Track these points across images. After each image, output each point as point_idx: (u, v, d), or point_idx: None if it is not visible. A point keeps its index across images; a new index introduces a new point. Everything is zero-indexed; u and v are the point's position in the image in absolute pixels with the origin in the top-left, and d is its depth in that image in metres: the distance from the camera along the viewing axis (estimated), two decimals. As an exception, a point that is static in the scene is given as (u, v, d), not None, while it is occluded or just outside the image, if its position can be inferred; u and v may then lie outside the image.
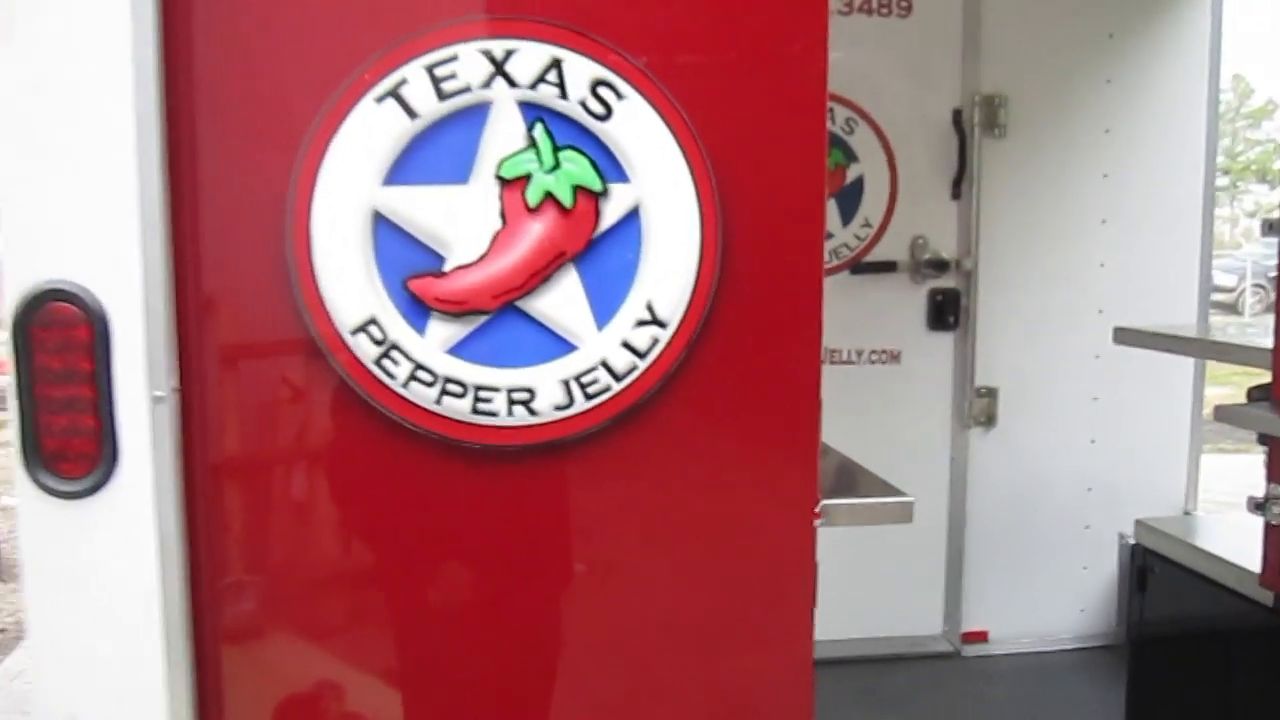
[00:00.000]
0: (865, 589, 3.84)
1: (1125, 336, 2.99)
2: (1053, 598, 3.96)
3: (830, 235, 3.68)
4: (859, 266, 3.73)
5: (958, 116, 3.73)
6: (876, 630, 3.90)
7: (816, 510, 1.40)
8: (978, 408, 3.84)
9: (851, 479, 1.58)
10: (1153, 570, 2.92)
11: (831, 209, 3.68)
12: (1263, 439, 2.41)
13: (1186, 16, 3.84)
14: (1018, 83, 3.74)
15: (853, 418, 3.71)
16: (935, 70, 3.75)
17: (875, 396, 3.77)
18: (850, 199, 3.70)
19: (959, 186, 3.75)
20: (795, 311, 1.38)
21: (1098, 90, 3.81)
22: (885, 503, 1.46)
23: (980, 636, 3.96)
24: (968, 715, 3.56)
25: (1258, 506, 2.34)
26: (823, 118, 1.37)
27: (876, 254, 3.75)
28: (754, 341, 1.38)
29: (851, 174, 3.69)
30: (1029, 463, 3.91)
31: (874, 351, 3.78)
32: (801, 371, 1.39)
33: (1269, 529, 2.35)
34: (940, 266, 3.76)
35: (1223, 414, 2.39)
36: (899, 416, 3.82)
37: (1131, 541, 3.03)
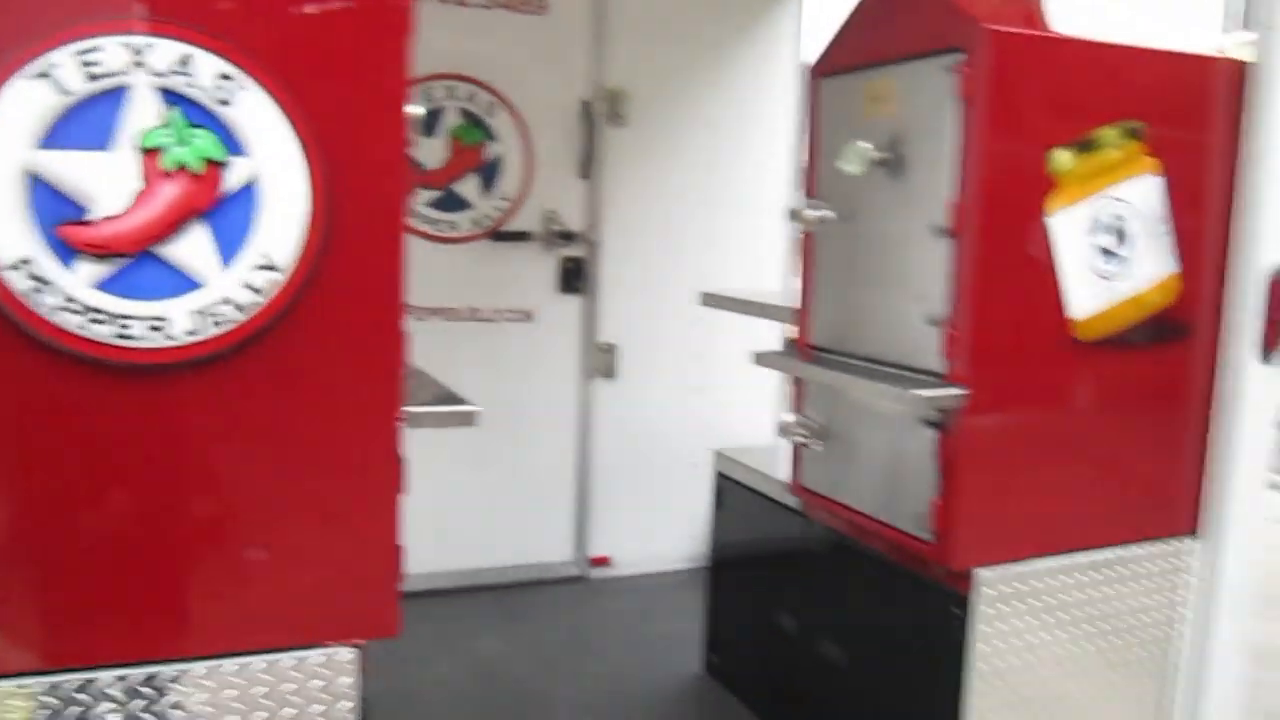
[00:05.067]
0: (502, 523, 4.30)
1: (707, 299, 3.61)
2: (667, 526, 4.50)
3: (472, 206, 4.10)
4: (498, 235, 4.14)
5: (586, 106, 4.21)
6: (514, 559, 4.35)
7: (399, 414, 1.82)
8: (600, 361, 4.36)
9: (437, 393, 2.00)
10: (724, 491, 3.56)
11: (473, 182, 4.10)
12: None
13: (776, 32, 4.50)
14: (637, 80, 4.25)
15: (493, 367, 4.21)
16: (567, 64, 4.19)
17: (512, 350, 4.22)
18: (490, 174, 4.11)
19: (587, 168, 4.24)
20: (385, 259, 1.78)
21: (703, 91, 4.41)
22: (453, 410, 1.90)
23: (604, 561, 4.48)
24: (591, 625, 4.06)
25: (783, 431, 3.00)
26: (402, 108, 1.77)
27: (513, 224, 4.16)
28: (353, 282, 1.75)
29: (491, 152, 4.10)
30: (645, 409, 4.44)
31: (510, 310, 4.21)
32: (390, 308, 1.80)
33: (794, 449, 3.01)
34: (569, 237, 4.24)
35: (760, 359, 3.00)
36: (533, 367, 4.27)
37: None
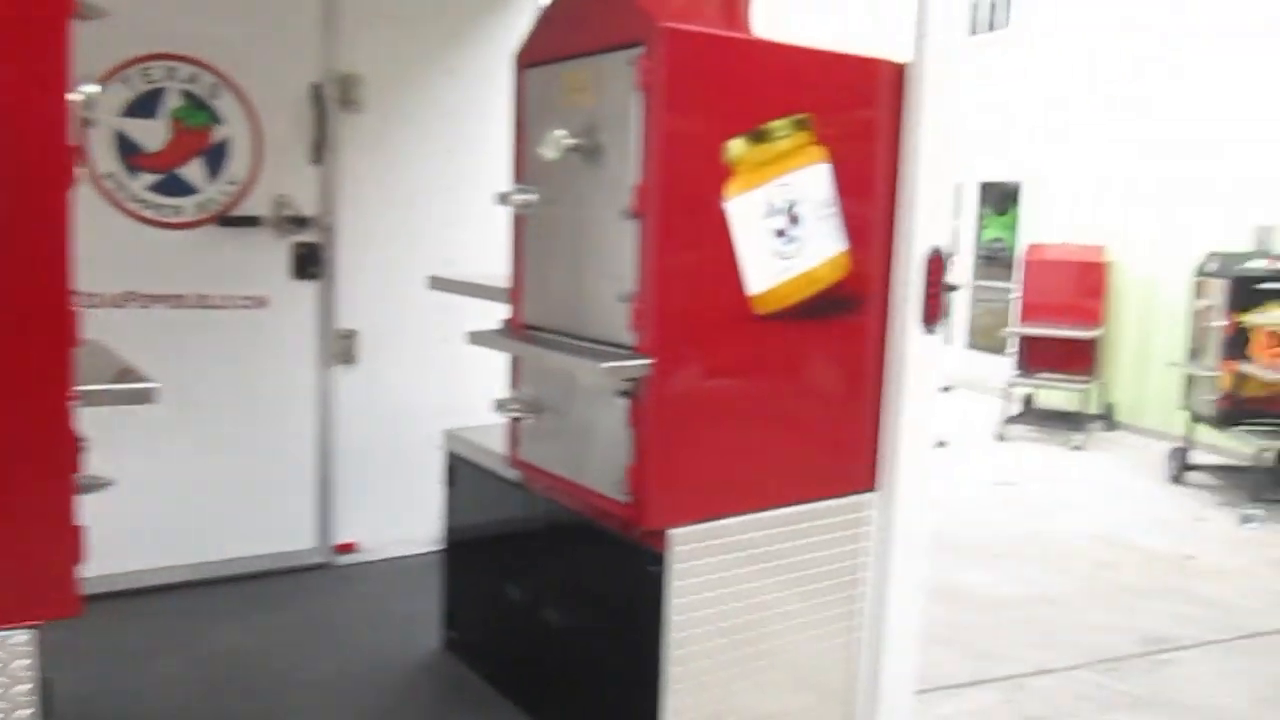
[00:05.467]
0: (242, 514, 4.22)
1: (434, 283, 3.69)
2: (413, 509, 4.39)
3: (197, 190, 4.01)
4: (226, 220, 4.06)
5: (317, 90, 4.17)
6: (255, 549, 4.26)
7: (70, 393, 1.82)
8: (340, 348, 4.34)
9: (118, 371, 2.00)
10: (455, 469, 3.64)
11: (198, 166, 4.01)
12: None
13: (512, 19, 4.55)
14: (372, 65, 4.25)
15: (226, 356, 4.12)
16: (296, 46, 4.14)
17: (246, 337, 4.14)
18: (216, 158, 4.02)
19: (319, 152, 4.20)
20: (47, 239, 1.77)
21: (442, 78, 4.46)
22: (128, 388, 1.91)
23: (351, 548, 4.47)
24: (332, 611, 4.05)
25: (499, 407, 3.11)
26: (64, 88, 1.76)
27: (242, 209, 4.09)
28: (11, 263, 1.75)
29: (217, 135, 4.01)
30: (389, 395, 4.42)
31: (242, 297, 4.12)
32: (54, 288, 1.79)
33: (510, 422, 3.14)
34: (302, 223, 4.20)
35: (474, 338, 3.10)
36: (268, 355, 4.21)
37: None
